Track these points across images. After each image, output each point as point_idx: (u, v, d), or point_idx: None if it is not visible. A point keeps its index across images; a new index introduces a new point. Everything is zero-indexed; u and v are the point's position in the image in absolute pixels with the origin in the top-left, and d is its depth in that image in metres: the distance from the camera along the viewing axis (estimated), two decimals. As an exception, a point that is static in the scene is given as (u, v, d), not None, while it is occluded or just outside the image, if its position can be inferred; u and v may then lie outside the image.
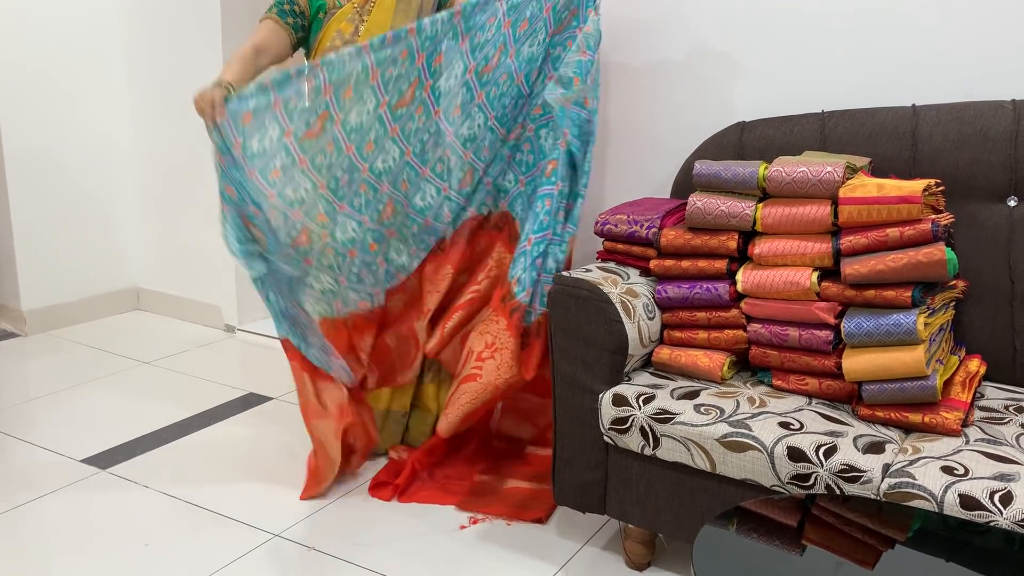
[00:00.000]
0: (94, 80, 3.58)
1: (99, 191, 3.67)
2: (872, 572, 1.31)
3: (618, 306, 1.94)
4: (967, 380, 1.82)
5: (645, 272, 2.11)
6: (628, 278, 2.07)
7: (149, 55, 3.58)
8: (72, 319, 3.61)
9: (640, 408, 1.85)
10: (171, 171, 3.64)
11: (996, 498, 1.49)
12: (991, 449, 1.63)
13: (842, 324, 1.78)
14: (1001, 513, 1.47)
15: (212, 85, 2.08)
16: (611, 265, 2.13)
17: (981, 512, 1.48)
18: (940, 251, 1.69)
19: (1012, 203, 1.96)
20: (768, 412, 1.79)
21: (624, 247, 2.15)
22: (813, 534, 1.44)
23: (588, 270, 2.06)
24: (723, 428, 1.75)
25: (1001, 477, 1.53)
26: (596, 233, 2.18)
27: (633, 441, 1.86)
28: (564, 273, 2.01)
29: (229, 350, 3.42)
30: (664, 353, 2.01)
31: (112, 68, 3.62)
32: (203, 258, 3.60)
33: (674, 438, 1.80)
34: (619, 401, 1.88)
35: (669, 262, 2.03)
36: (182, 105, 3.52)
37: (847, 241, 1.80)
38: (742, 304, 1.94)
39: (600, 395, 1.92)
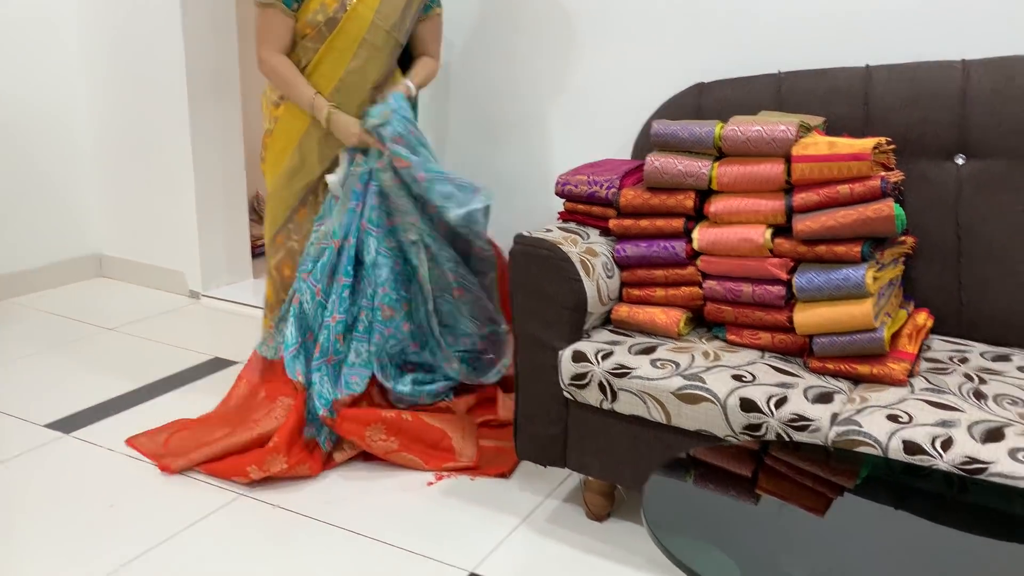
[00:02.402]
0: (51, 46, 3.51)
1: (58, 158, 3.61)
2: (816, 514, 1.37)
3: (578, 265, 1.97)
4: (914, 333, 1.88)
5: (605, 232, 2.14)
6: (588, 238, 2.10)
7: (106, 20, 3.51)
8: (34, 286, 3.57)
9: (599, 364, 1.89)
10: (131, 137, 3.59)
11: (938, 443, 1.55)
12: (935, 398, 1.69)
13: (794, 279, 1.83)
14: (942, 457, 1.53)
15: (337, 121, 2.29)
16: (572, 225, 2.16)
17: (923, 457, 1.55)
18: (888, 207, 1.74)
19: (960, 161, 2.01)
20: (722, 366, 1.84)
21: (584, 208, 2.17)
22: (759, 480, 1.50)
23: (549, 230, 2.09)
24: (678, 381, 1.80)
25: (943, 424, 1.60)
26: (557, 194, 2.20)
27: (592, 396, 1.90)
28: (525, 233, 2.04)
29: (194, 316, 3.41)
30: (623, 311, 2.05)
31: (69, 34, 3.55)
32: (166, 224, 3.57)
33: (631, 392, 1.84)
34: (578, 357, 1.92)
35: (628, 221, 2.06)
36: (140, 71, 3.52)
37: (799, 198, 1.84)
38: (698, 262, 1.98)
39: (560, 352, 1.95)
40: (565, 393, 1.95)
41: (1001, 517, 1.40)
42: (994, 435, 1.55)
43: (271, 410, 2.31)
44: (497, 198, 2.82)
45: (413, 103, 2.44)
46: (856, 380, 1.81)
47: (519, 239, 2.02)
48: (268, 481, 2.18)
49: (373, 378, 2.31)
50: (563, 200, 2.22)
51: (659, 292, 2.04)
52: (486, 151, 2.85)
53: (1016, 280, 1.94)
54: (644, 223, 2.04)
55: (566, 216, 2.22)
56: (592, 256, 2.03)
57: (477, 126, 2.85)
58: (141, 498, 2.13)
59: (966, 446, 1.53)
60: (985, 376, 1.78)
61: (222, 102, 3.47)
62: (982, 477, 1.49)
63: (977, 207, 1.98)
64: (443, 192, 2.27)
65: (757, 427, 1.71)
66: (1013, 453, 1.50)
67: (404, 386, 2.33)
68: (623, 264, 2.07)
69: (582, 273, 1.97)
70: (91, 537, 1.97)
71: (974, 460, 1.51)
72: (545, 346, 1.98)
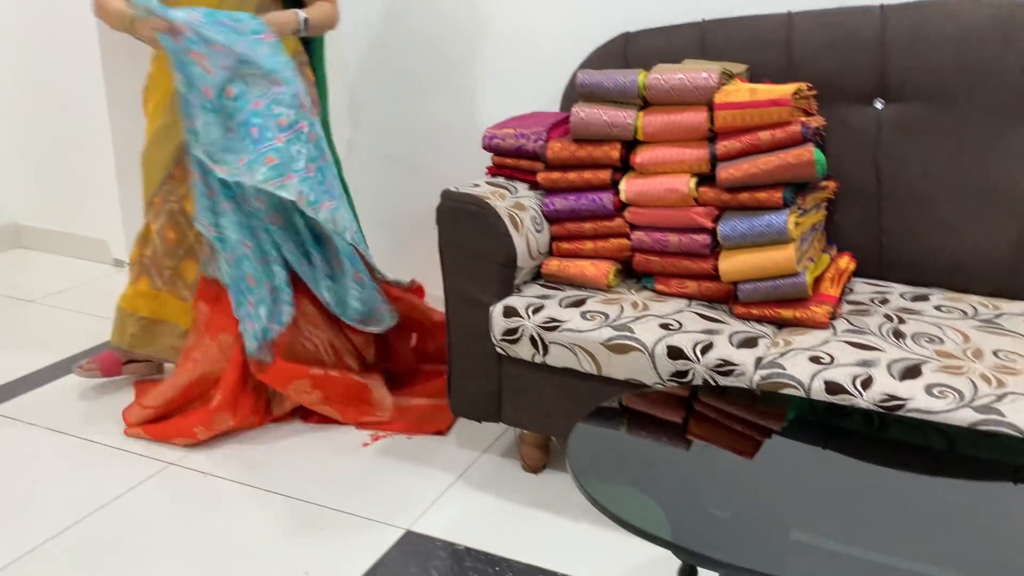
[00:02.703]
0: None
1: (-35, 123, 3.44)
2: (742, 456, 1.39)
3: (506, 220, 1.95)
4: (837, 276, 1.92)
5: (534, 186, 2.13)
6: (516, 192, 2.08)
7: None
8: (-54, 260, 3.42)
9: (529, 318, 1.89)
10: (45, 98, 3.43)
11: (858, 383, 1.59)
12: (856, 339, 1.73)
13: (718, 227, 1.84)
14: (862, 396, 1.57)
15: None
16: (500, 180, 2.14)
17: (844, 396, 1.58)
18: (809, 152, 1.75)
19: (879, 105, 2.03)
20: (650, 315, 1.85)
21: (512, 161, 2.15)
22: (685, 425, 1.51)
23: (476, 185, 2.06)
24: (607, 332, 1.81)
25: (863, 364, 1.63)
26: (484, 148, 2.17)
27: (524, 350, 1.90)
28: (452, 188, 2.01)
29: (119, 285, 3.30)
30: (553, 264, 2.04)
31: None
32: (85, 190, 3.44)
33: (562, 345, 1.85)
34: (509, 312, 1.91)
35: (556, 174, 2.04)
36: (50, 27, 3.34)
37: (722, 146, 1.84)
38: (626, 213, 1.98)
39: (491, 308, 1.94)
40: (497, 349, 1.95)
41: (919, 451, 1.44)
42: (912, 372, 1.60)
43: (207, 349, 2.25)
44: (425, 155, 2.80)
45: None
46: (780, 324, 1.84)
47: (446, 195, 1.99)
48: (202, 445, 2.15)
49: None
50: (491, 154, 2.19)
51: (588, 245, 2.04)
52: (410, 107, 2.79)
53: (934, 221, 1.98)
54: (572, 176, 2.03)
55: (494, 171, 2.19)
56: (521, 210, 2.01)
57: (400, 81, 2.79)
58: (67, 471, 2.07)
59: (885, 384, 1.57)
60: (904, 316, 1.83)
61: (136, 58, 3.32)
62: (900, 413, 1.54)
63: (896, 150, 2.01)
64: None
65: (684, 374, 1.73)
66: (929, 389, 1.55)
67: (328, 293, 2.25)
68: (552, 218, 2.06)
69: (511, 228, 1.95)
70: (14, 513, 1.92)
71: (892, 397, 1.55)
72: (476, 302, 1.97)
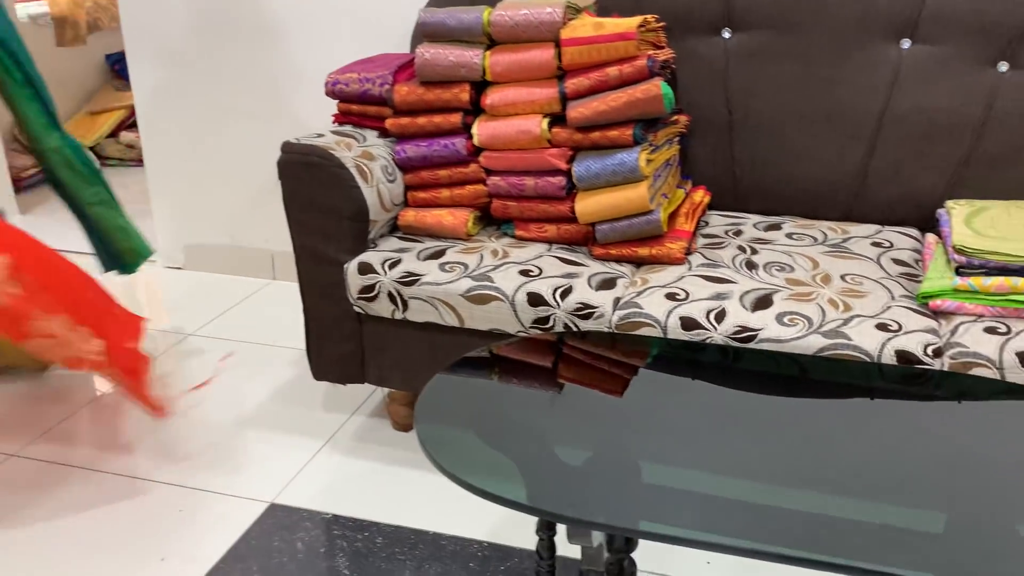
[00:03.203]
0: None
1: None
2: (598, 400, 1.37)
3: (354, 171, 1.85)
4: (691, 211, 1.92)
5: (384, 133, 2.03)
6: (365, 140, 1.98)
7: None
8: None
9: (386, 274, 1.81)
10: None
11: (712, 316, 1.59)
12: (711, 272, 1.74)
13: (572, 168, 1.80)
14: (716, 330, 1.58)
15: None
16: (347, 128, 2.02)
17: (699, 331, 1.59)
18: (656, 87, 1.72)
19: (727, 35, 2.02)
20: (510, 262, 1.81)
21: (359, 108, 2.04)
22: (541, 372, 1.48)
23: (320, 135, 1.94)
24: (467, 283, 1.75)
25: (717, 297, 1.64)
26: (328, 94, 2.05)
27: (383, 307, 1.83)
28: (293, 140, 1.89)
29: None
30: (409, 215, 1.97)
31: None
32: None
33: (421, 299, 1.78)
34: (365, 269, 1.82)
35: (405, 120, 1.95)
36: None
37: (571, 84, 1.79)
38: (480, 158, 1.91)
39: (345, 265, 1.85)
40: (355, 308, 1.86)
41: (772, 380, 1.46)
42: (763, 302, 1.61)
43: None
44: (277, 105, 2.64)
45: None
46: (638, 263, 1.83)
47: (286, 147, 1.87)
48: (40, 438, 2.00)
49: None
50: (337, 101, 2.07)
51: (444, 193, 1.97)
52: (245, 55, 2.61)
53: (784, 150, 2.00)
54: (422, 120, 1.94)
55: (341, 119, 2.08)
56: (370, 160, 1.91)
57: (245, 27, 2.61)
58: None
59: (738, 316, 1.59)
60: (757, 246, 1.85)
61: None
62: (753, 344, 1.55)
63: (745, 80, 2.01)
64: None
65: (545, 320, 1.70)
66: (780, 317, 1.57)
67: None
68: (404, 166, 1.98)
69: (360, 179, 1.86)
70: None
71: (745, 329, 1.56)
72: (328, 260, 1.87)
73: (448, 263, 1.82)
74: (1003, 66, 1.86)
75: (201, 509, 1.78)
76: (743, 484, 1.15)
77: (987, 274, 1.54)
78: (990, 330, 1.50)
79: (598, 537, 1.40)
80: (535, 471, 1.21)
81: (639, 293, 1.68)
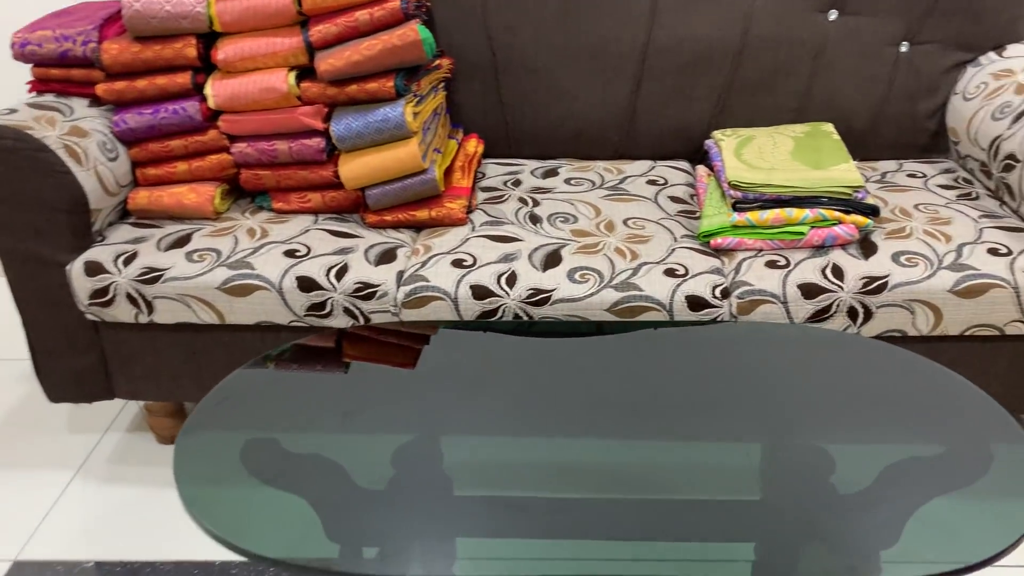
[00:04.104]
0: None
1: None
2: (379, 394, 1.23)
3: (62, 152, 1.53)
4: (467, 164, 1.78)
5: (96, 101, 1.70)
6: (72, 112, 1.64)
7: None
8: None
9: (121, 272, 1.52)
10: None
11: (503, 281, 1.48)
12: (495, 231, 1.62)
13: (331, 127, 1.60)
14: (509, 295, 1.47)
15: None
16: (49, 99, 1.67)
17: (492, 299, 1.47)
18: (413, 31, 1.54)
19: (481, -31, 1.87)
20: (272, 242, 1.58)
21: (60, 72, 1.68)
22: (315, 380, 1.31)
23: (13, 110, 1.58)
24: (223, 273, 1.51)
25: (506, 259, 1.53)
26: (17, 59, 1.67)
27: (123, 312, 1.54)
28: (-25, 120, 1.52)
29: None
30: (141, 197, 1.67)
31: None
32: None
33: (169, 298, 1.52)
34: (93, 270, 1.53)
35: (121, 84, 1.63)
36: None
37: (317, 32, 1.57)
38: (220, 122, 1.65)
39: (67, 267, 1.54)
40: (88, 316, 1.56)
41: (573, 344, 1.38)
42: (553, 260, 1.52)
43: None
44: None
45: None
46: (417, 227, 1.67)
47: (-34, 131, 1.50)
48: None
49: None
50: (30, 66, 1.70)
51: (181, 166, 1.68)
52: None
53: (552, 90, 1.90)
54: (142, 83, 1.63)
55: (39, 87, 1.71)
56: (81, 137, 1.59)
57: None
58: None
59: (529, 277, 1.48)
60: (538, 197, 1.75)
61: None
62: (548, 306, 1.46)
63: (505, 18, 1.87)
64: None
65: (321, 305, 1.51)
66: (571, 274, 1.49)
67: None
68: (127, 139, 1.67)
69: (71, 162, 1.53)
70: None
71: (539, 291, 1.47)
72: (45, 263, 1.55)
73: (197, 251, 1.56)
74: (753, -8, 1.86)
75: (-81, 588, 1.45)
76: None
77: (763, 207, 1.55)
78: (771, 264, 1.51)
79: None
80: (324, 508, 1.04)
81: (423, 264, 1.52)
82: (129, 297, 1.53)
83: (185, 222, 1.67)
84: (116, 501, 1.62)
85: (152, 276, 1.52)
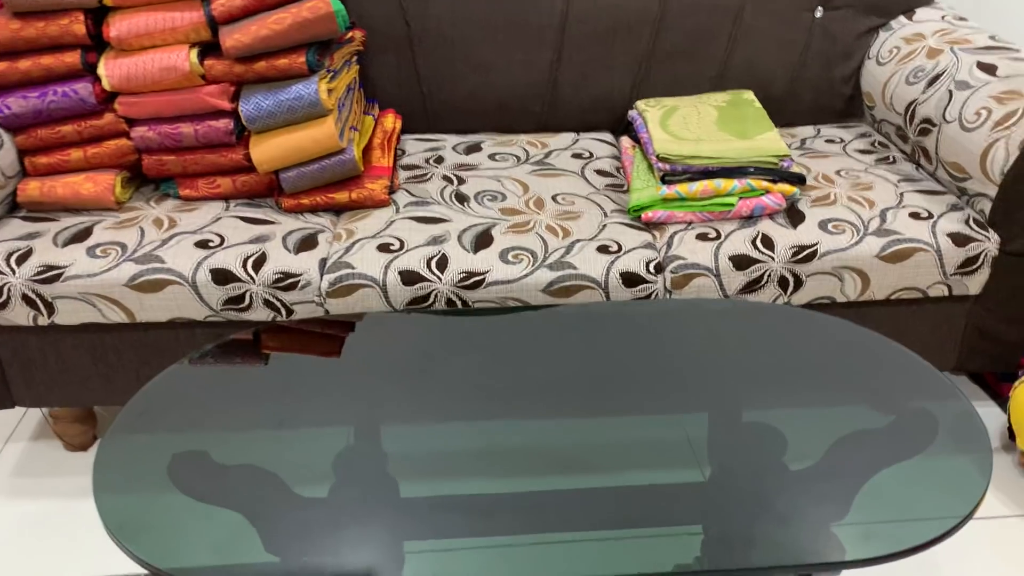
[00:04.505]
0: None
1: None
2: (302, 393, 1.16)
3: (-63, 142, 1.38)
4: (386, 141, 1.70)
5: (-27, 83, 1.54)
6: (-54, 97, 1.48)
7: None
8: None
9: (15, 272, 1.40)
10: None
11: (434, 265, 1.43)
12: (421, 212, 1.56)
13: (239, 108, 1.49)
14: (440, 280, 1.42)
15: None
16: (-84, 82, 1.51)
17: (423, 284, 1.41)
18: (325, 3, 1.45)
19: (391, -66, 1.78)
20: (181, 233, 1.48)
21: (-72, 53, 1.52)
22: (239, 384, 1.23)
23: None
24: (130, 269, 1.41)
25: (434, 241, 1.47)
26: None
27: (18, 315, 1.42)
28: None
29: None
30: (32, 188, 1.53)
31: None
32: None
33: (72, 298, 1.41)
34: (-18, 269, 1.40)
35: (1, 65, 1.49)
36: None
37: (219, 5, 1.46)
38: (116, 105, 1.52)
39: (-48, 268, 1.41)
40: (-21, 319, 1.44)
41: (508, 326, 1.34)
42: (484, 240, 1.47)
43: None
44: None
45: None
46: (337, 211, 1.59)
47: None
48: None
49: None
50: None
51: (76, 154, 1.55)
52: None
53: (471, 62, 1.84)
54: (25, 64, 1.49)
55: (-96, 70, 1.54)
56: (-41, 124, 1.44)
57: None
58: None
59: (461, 260, 1.43)
60: (463, 175, 1.69)
61: None
62: (483, 289, 1.42)
63: (418, -14, 1.80)
64: None
65: (240, 299, 1.42)
66: (504, 255, 1.44)
67: None
68: (11, 125, 1.53)
69: (-52, 153, 1.39)
70: None
71: (472, 274, 1.42)
72: (-74, 265, 1.41)
73: (99, 245, 1.45)
74: (670, -43, 1.83)
75: None
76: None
77: (691, 179, 1.53)
78: (702, 236, 1.50)
79: None
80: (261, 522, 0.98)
81: (347, 250, 1.45)
82: (26, 299, 1.40)
83: (84, 214, 1.54)
84: (21, 518, 1.50)
85: (51, 275, 1.40)
